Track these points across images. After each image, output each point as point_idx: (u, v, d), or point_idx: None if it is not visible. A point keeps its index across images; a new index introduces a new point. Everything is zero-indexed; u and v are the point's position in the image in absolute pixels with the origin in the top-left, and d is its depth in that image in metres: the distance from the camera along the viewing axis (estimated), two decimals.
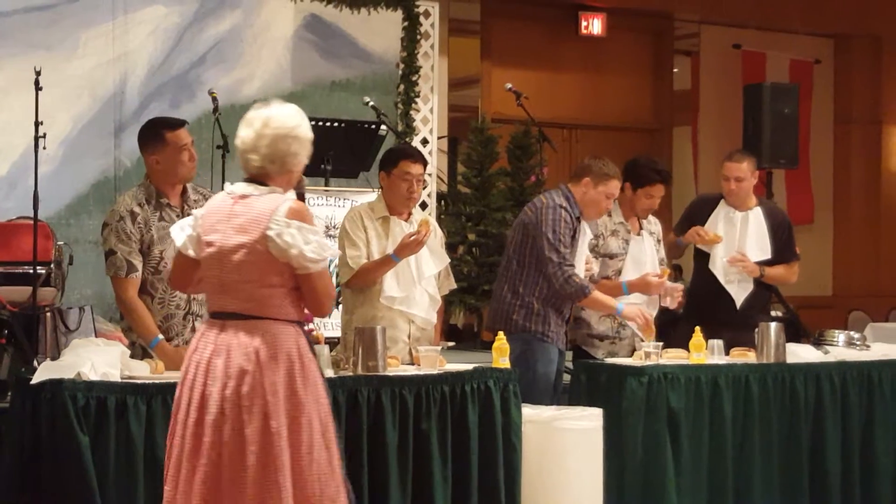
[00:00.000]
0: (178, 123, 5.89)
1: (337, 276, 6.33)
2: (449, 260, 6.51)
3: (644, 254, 7.01)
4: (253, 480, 4.32)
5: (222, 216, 4.52)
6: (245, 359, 4.38)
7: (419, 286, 6.25)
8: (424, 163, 6.41)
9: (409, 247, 6.09)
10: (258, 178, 4.53)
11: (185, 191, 5.84)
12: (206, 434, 4.37)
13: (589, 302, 6.57)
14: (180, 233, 4.63)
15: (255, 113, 4.56)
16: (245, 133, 4.54)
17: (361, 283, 6.21)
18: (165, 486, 4.48)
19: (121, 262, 5.66)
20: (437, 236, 6.47)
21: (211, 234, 4.52)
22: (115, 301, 5.85)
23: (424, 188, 10.14)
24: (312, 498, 4.39)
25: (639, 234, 7.06)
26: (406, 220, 6.33)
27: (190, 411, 4.42)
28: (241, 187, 4.54)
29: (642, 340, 6.75)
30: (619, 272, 6.97)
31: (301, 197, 4.59)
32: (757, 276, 7.29)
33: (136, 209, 5.72)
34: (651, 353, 6.43)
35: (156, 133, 5.79)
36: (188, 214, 5.71)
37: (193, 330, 5.70)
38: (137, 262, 5.68)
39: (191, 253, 4.59)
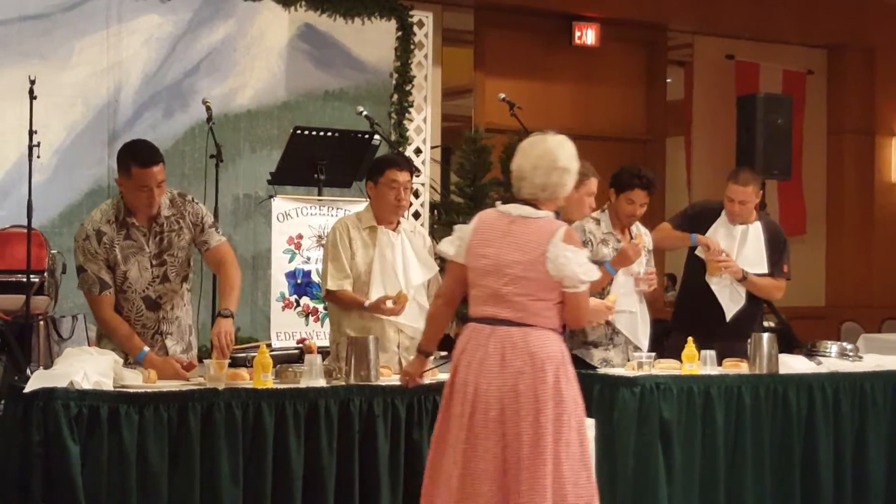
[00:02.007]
0: (151, 161, 5.60)
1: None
2: (438, 269, 6.48)
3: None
4: (526, 468, 4.82)
5: (497, 233, 5.06)
6: (521, 361, 4.91)
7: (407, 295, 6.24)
8: (411, 170, 6.40)
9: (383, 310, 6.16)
10: (529, 202, 5.08)
11: None
12: (485, 428, 4.88)
13: None
14: (450, 246, 5.16)
15: (530, 145, 5.15)
16: (520, 163, 5.14)
17: (343, 307, 6.26)
18: (453, 472, 4.93)
19: (92, 280, 5.65)
20: (425, 245, 6.47)
21: (485, 248, 5.05)
22: (95, 320, 5.85)
23: (417, 197, 10.21)
24: (566, 486, 4.87)
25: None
26: (394, 230, 6.32)
27: (464, 407, 4.93)
28: (516, 209, 5.09)
29: (636, 349, 6.78)
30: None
31: (556, 214, 5.04)
32: (739, 277, 7.26)
33: (104, 228, 5.67)
34: (643, 364, 6.44)
35: (126, 162, 5.64)
36: (157, 232, 5.72)
37: (163, 348, 5.80)
38: (109, 279, 5.66)
39: (461, 260, 5.11)
